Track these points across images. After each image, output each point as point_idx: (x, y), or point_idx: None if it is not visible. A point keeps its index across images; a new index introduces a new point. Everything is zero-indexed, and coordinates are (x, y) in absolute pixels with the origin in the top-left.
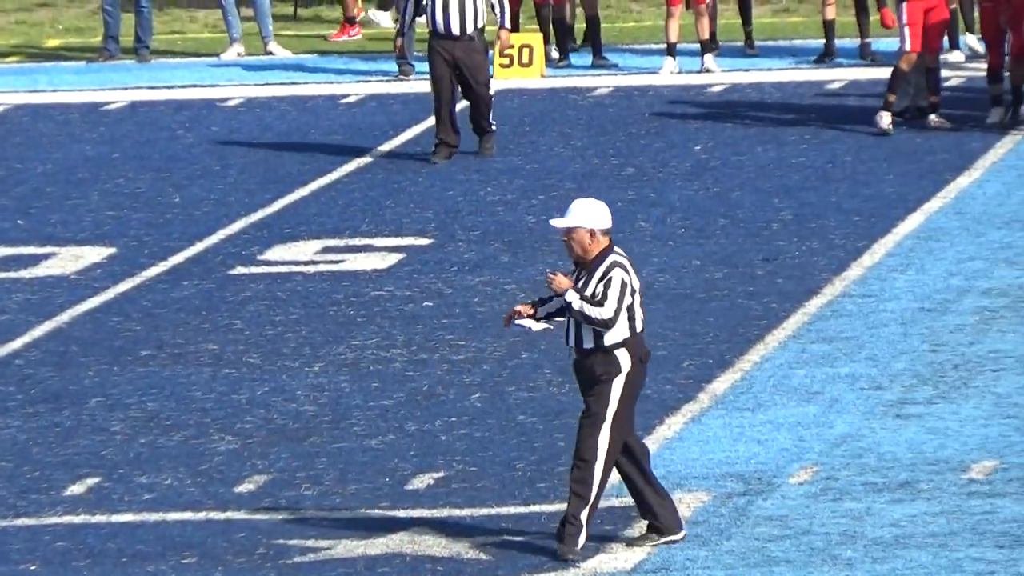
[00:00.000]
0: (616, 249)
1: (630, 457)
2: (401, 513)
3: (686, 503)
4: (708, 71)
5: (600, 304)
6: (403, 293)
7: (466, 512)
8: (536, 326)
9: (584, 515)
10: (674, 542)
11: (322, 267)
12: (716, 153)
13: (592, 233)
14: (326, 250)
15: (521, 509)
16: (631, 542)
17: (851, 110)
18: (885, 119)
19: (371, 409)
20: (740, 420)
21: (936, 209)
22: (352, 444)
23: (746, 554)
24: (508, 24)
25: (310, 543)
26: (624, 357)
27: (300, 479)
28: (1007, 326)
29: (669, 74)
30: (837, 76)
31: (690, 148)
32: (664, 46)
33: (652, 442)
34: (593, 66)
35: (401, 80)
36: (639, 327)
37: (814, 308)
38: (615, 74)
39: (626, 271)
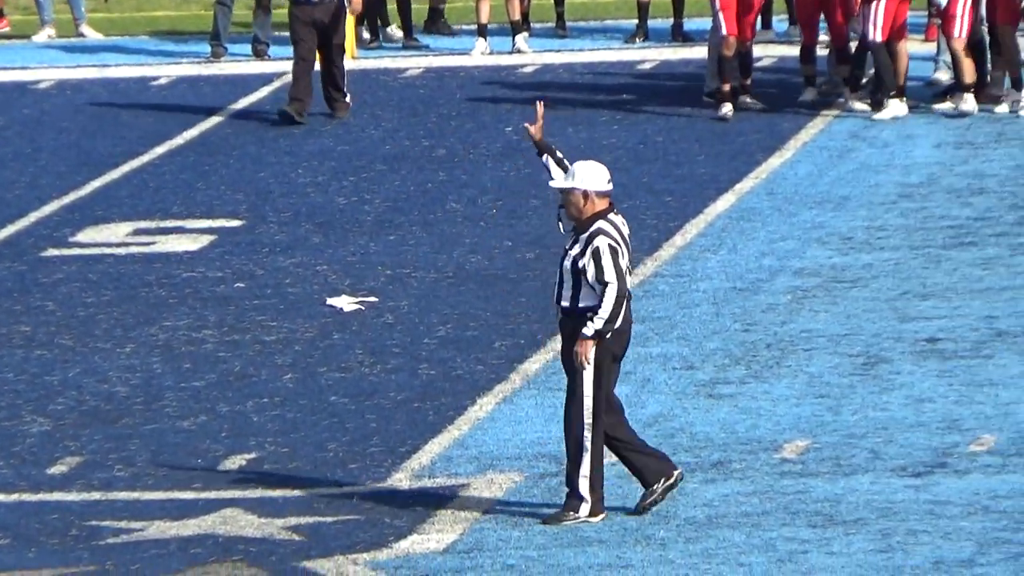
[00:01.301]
0: (610, 216)
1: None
2: (213, 494)
3: (498, 484)
4: (519, 52)
5: (604, 287)
6: (215, 275)
7: (278, 493)
8: (348, 306)
9: (583, 488)
10: (672, 486)
11: (134, 249)
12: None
13: (586, 195)
14: (138, 232)
15: (333, 490)
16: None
17: (663, 90)
18: (724, 108)
19: (183, 390)
20: (552, 400)
21: (748, 190)
22: (164, 425)
23: (559, 534)
24: None
25: (123, 524)
26: None
27: (112, 460)
28: (819, 306)
29: (480, 55)
30: (649, 56)
31: (501, 129)
32: (475, 27)
33: (464, 423)
34: (404, 47)
35: (212, 62)
36: None
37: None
38: (426, 55)
39: (607, 235)
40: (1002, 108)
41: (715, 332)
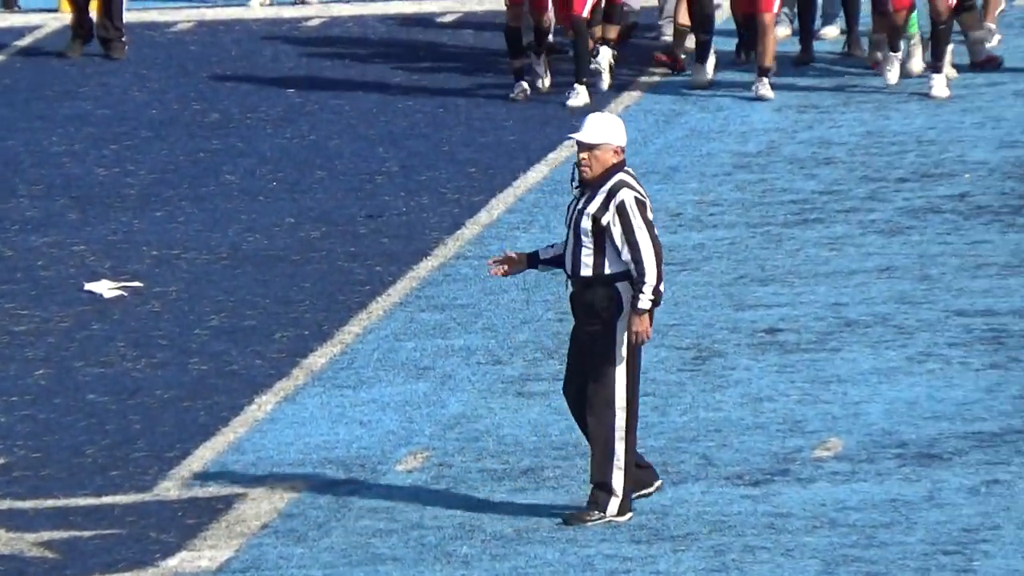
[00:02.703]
0: (627, 168)
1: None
2: None
3: (279, 493)
4: (304, 2)
5: (636, 249)
6: None
7: (29, 504)
8: (109, 291)
9: (616, 480)
10: (648, 495)
11: None
12: (312, 96)
13: (616, 152)
14: None
15: (92, 500)
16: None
17: (467, 47)
18: (519, 86)
19: None
20: (340, 399)
21: (563, 159)
22: None
23: (348, 551)
24: None
25: None
26: (626, 292)
27: None
28: None
29: (259, 6)
30: (451, 8)
31: (283, 91)
32: None
33: (240, 424)
34: None
35: None
36: None
37: (424, 272)
38: (198, 6)
39: (632, 188)
40: (891, 76)
41: (525, 322)
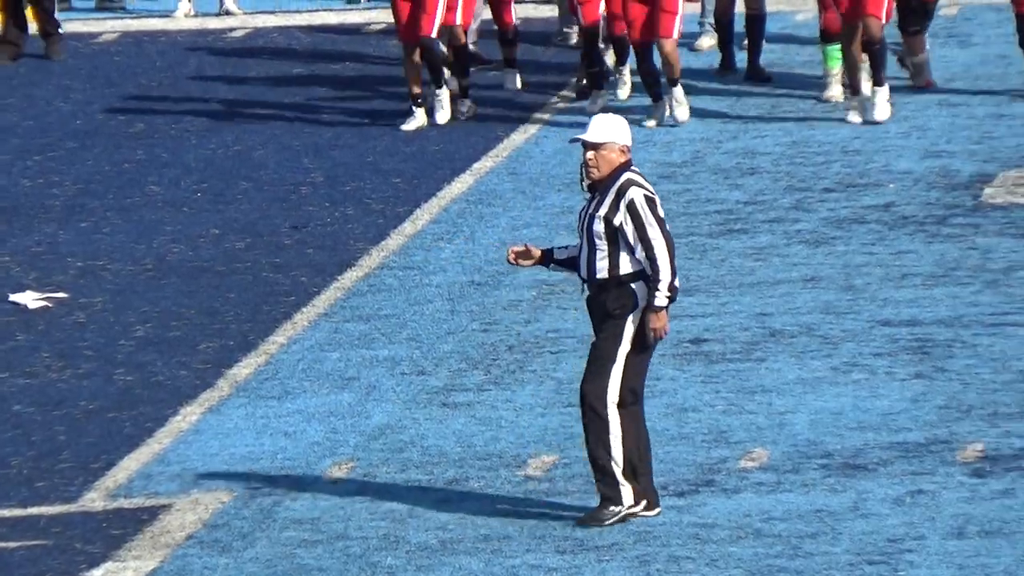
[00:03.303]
0: (633, 167)
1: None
2: None
3: (204, 504)
4: (229, 13)
5: (649, 246)
6: None
7: None
8: (33, 302)
9: (618, 472)
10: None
11: None
12: (237, 107)
13: (622, 151)
14: None
15: (18, 512)
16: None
17: (391, 57)
18: (464, 105)
19: None
20: (265, 410)
21: (488, 170)
22: None
23: (273, 561)
24: None
25: None
26: (641, 291)
27: None
28: (567, 302)
29: (184, 17)
30: (376, 18)
31: (207, 102)
32: None
33: (166, 435)
34: (98, 9)
35: None
36: None
37: (349, 282)
38: (122, 17)
39: (640, 185)
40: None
41: (450, 332)
